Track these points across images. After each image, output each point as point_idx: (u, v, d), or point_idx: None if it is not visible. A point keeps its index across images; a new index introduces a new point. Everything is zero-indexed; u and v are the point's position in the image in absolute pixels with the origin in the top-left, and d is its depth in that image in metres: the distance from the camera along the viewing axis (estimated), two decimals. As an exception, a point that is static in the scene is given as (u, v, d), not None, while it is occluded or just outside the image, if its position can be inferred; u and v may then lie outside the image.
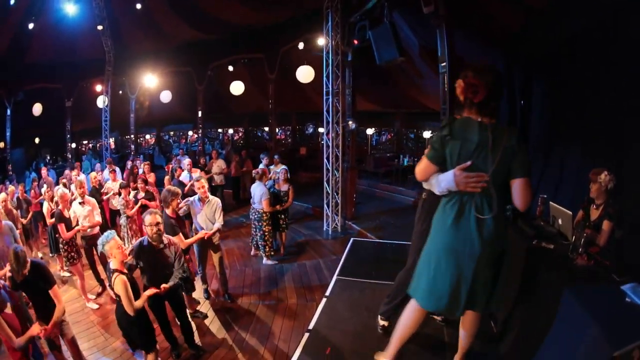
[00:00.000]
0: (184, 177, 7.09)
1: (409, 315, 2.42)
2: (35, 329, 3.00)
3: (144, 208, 5.61)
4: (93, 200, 5.21)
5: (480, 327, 2.47)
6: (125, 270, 3.08)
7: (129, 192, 6.00)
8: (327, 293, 4.17)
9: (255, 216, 5.45)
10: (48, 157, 14.10)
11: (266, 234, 5.44)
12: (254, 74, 11.59)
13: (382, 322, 3.27)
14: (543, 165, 5.27)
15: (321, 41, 6.74)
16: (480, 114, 2.01)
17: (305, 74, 9.11)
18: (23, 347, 2.94)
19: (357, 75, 6.89)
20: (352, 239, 5.80)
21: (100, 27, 10.57)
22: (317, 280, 4.90)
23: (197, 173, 6.62)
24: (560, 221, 3.03)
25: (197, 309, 4.37)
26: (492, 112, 2.01)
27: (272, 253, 5.58)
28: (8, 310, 3.04)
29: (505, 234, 2.13)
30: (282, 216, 5.67)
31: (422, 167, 2.15)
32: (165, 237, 3.47)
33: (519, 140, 1.99)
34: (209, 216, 4.33)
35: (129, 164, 9.16)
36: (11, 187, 6.82)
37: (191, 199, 4.40)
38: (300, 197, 7.78)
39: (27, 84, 11.79)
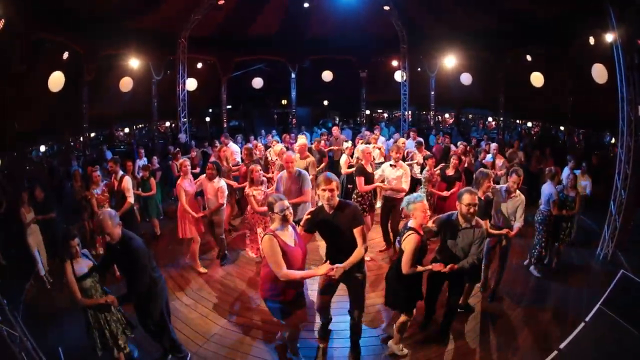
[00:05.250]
0: (488, 159, 7.12)
1: None
2: (324, 268, 2.87)
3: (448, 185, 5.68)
4: (406, 166, 5.14)
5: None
6: (421, 232, 3.12)
7: (434, 164, 5.99)
8: (587, 318, 3.86)
9: (539, 217, 5.08)
10: (337, 119, 15.66)
11: (544, 239, 5.09)
12: (549, 68, 10.91)
13: None
14: None
15: (609, 37, 6.01)
16: None
17: (599, 73, 8.21)
18: (292, 279, 2.87)
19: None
20: (621, 271, 5.52)
21: (386, 8, 10.73)
22: (574, 305, 4.62)
23: (501, 160, 6.77)
24: None
25: (468, 302, 4.27)
26: None
27: (538, 261, 5.19)
28: (290, 241, 2.95)
29: None
30: (566, 225, 5.19)
31: None
32: (475, 219, 3.32)
33: None
34: (509, 210, 4.15)
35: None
36: (302, 138, 7.13)
37: (498, 186, 4.35)
38: (585, 212, 7.18)
39: (310, 55, 13.41)
